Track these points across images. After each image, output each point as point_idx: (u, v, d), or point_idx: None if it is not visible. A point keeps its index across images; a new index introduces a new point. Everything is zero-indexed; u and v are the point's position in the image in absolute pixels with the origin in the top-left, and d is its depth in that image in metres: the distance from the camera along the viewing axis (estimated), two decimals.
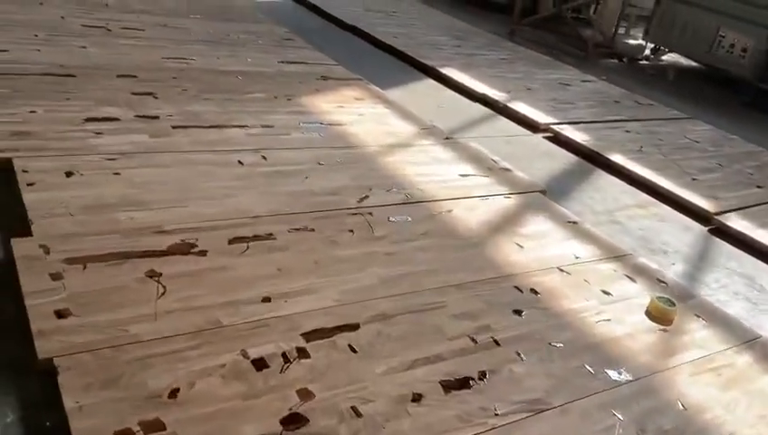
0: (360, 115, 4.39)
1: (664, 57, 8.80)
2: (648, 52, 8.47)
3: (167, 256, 2.51)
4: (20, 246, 2.39)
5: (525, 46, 7.75)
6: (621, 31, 8.76)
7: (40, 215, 2.59)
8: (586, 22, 9.09)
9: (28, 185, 2.79)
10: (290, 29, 6.32)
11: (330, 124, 4.13)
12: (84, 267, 2.34)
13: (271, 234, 2.80)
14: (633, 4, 8.40)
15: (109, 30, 5.05)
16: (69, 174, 2.93)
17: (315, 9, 7.47)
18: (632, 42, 8.39)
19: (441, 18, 8.26)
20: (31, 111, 3.43)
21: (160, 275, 2.39)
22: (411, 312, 2.47)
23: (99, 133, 3.36)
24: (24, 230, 2.52)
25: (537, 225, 3.39)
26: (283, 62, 5.19)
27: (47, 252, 2.38)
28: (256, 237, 2.76)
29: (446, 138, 4.31)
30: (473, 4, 9.82)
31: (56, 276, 2.27)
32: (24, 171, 2.88)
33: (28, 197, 2.69)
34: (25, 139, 3.16)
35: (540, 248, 3.15)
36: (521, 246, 3.12)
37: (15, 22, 4.77)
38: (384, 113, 4.52)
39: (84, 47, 4.56)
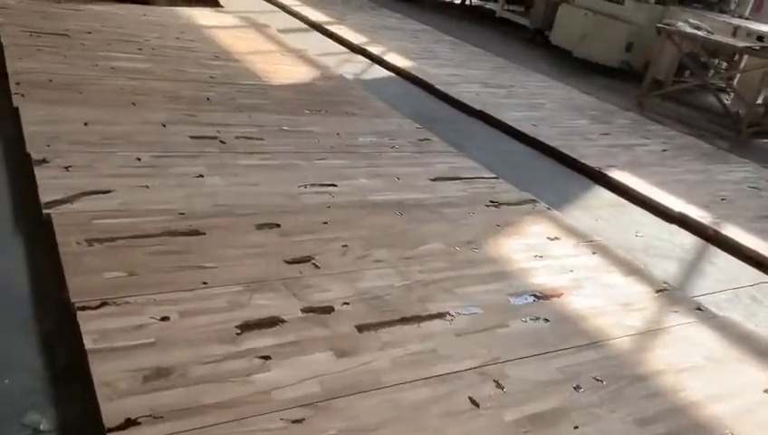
0: (571, 272, 3.20)
1: None
2: None
3: None
4: None
5: (666, 125, 6.54)
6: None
7: None
8: (717, 89, 7.87)
9: None
10: (413, 117, 5.22)
11: (544, 296, 2.95)
12: None
13: None
14: None
15: (222, 142, 3.97)
16: None
17: (428, 87, 6.35)
18: None
19: (561, 92, 7.07)
20: (163, 318, 2.33)
21: None
22: None
23: (264, 358, 2.21)
24: None
25: None
26: (436, 179, 4.05)
27: None
28: None
29: (697, 308, 3.12)
30: (579, 65, 8.67)
31: None
32: None
33: None
34: (166, 384, 2.01)
35: None
36: None
37: (112, 137, 3.71)
38: (597, 265, 3.33)
39: (201, 175, 3.48)
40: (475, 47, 8.66)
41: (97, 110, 4.07)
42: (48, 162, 3.27)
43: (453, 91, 6.17)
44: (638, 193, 4.47)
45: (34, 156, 3.29)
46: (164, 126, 4.03)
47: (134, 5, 7.04)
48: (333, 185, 3.68)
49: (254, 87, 5.17)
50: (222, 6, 8.18)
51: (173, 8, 7.35)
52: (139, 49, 5.53)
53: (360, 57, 7.17)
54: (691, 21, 7.20)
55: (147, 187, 3.24)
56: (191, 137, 3.95)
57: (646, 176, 4.83)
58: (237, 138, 4.08)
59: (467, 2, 11.90)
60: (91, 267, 2.51)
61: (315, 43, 7.36)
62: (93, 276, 2.46)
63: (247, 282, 2.61)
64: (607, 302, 3.01)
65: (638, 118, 6.58)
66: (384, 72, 6.73)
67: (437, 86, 6.27)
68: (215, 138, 4.01)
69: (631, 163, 5.06)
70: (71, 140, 3.56)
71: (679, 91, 7.76)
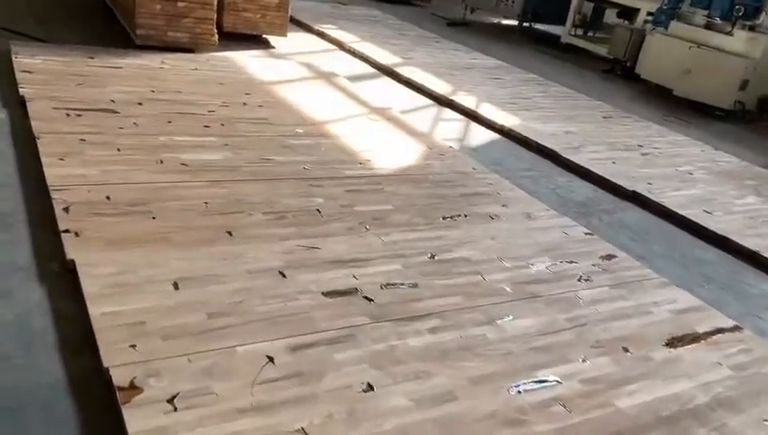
0: None
1: None
2: None
3: None
4: None
5: None
6: None
7: None
8: None
9: None
10: (560, 208, 3.98)
11: None
12: None
13: None
14: None
15: (368, 299, 2.69)
16: None
17: (550, 155, 5.07)
18: None
19: (696, 151, 5.74)
20: None
21: None
22: None
23: None
24: None
25: None
26: (669, 343, 2.77)
27: None
28: None
29: None
30: (680, 104, 7.41)
31: None
32: None
33: None
34: None
35: None
36: None
37: (220, 312, 2.39)
38: None
39: (369, 388, 2.23)
40: (562, 86, 7.40)
41: (184, 252, 2.78)
42: (141, 391, 2.00)
43: (584, 161, 4.90)
44: None
45: (117, 379, 2.03)
46: (283, 275, 2.77)
47: (179, 55, 5.75)
48: (554, 380, 2.43)
49: (363, 180, 3.90)
50: (274, 47, 6.92)
51: (222, 55, 6.07)
52: (206, 127, 4.24)
53: (450, 111, 5.91)
54: None
55: (303, 431, 1.99)
56: (325, 294, 2.70)
57: None
58: (383, 287, 2.81)
59: (525, 24, 10.61)
60: None
61: (394, 94, 6.08)
62: None
63: None
64: None
65: None
66: (488, 134, 5.45)
67: (564, 155, 4.99)
68: (355, 291, 2.74)
69: None
70: (164, 331, 2.28)
71: None
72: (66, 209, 2.94)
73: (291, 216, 3.29)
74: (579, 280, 3.17)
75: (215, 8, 5.91)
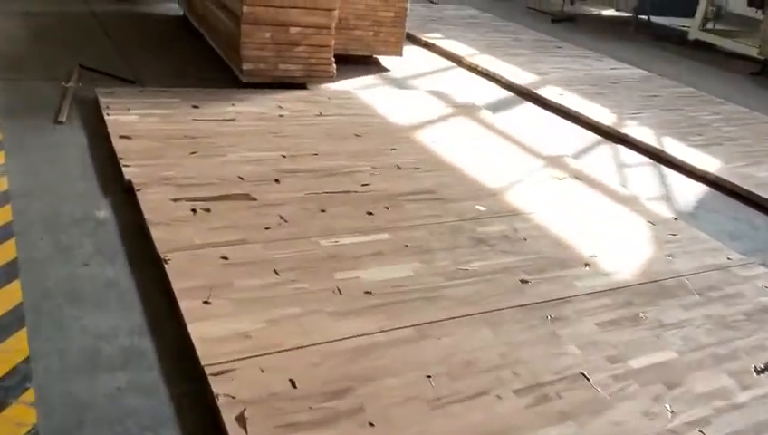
0: None
1: None
2: None
3: None
4: None
5: None
6: None
7: None
8: None
9: None
10: None
11: None
12: None
13: None
14: None
15: None
16: None
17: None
18: None
19: None
20: None
21: None
22: None
23: None
24: None
25: None
26: None
27: None
28: None
29: None
30: None
31: None
32: None
33: None
34: None
35: None
36: None
37: None
38: None
39: None
40: (731, 102, 6.04)
41: None
42: None
43: None
44: None
45: None
46: None
47: (294, 94, 4.58)
48: None
49: (606, 298, 2.68)
50: (388, 70, 5.75)
51: (340, 89, 4.92)
52: (370, 214, 3.13)
53: (626, 150, 4.64)
54: None
55: None
56: None
57: None
58: None
59: (643, 17, 9.14)
60: None
61: (551, 130, 4.81)
62: None
63: None
64: None
65: None
66: (692, 185, 4.13)
67: None
68: None
69: None
70: None
71: None
72: (241, 420, 1.87)
73: (554, 393, 2.14)
74: None
75: (333, 32, 4.77)
